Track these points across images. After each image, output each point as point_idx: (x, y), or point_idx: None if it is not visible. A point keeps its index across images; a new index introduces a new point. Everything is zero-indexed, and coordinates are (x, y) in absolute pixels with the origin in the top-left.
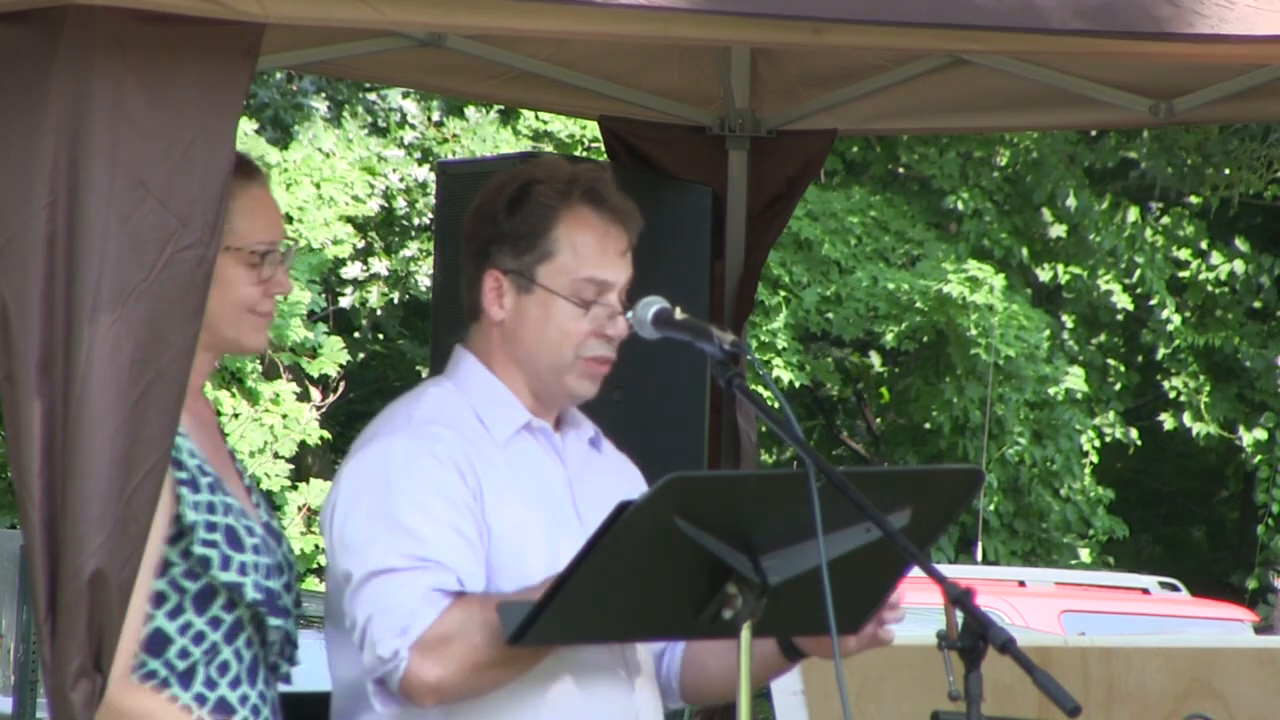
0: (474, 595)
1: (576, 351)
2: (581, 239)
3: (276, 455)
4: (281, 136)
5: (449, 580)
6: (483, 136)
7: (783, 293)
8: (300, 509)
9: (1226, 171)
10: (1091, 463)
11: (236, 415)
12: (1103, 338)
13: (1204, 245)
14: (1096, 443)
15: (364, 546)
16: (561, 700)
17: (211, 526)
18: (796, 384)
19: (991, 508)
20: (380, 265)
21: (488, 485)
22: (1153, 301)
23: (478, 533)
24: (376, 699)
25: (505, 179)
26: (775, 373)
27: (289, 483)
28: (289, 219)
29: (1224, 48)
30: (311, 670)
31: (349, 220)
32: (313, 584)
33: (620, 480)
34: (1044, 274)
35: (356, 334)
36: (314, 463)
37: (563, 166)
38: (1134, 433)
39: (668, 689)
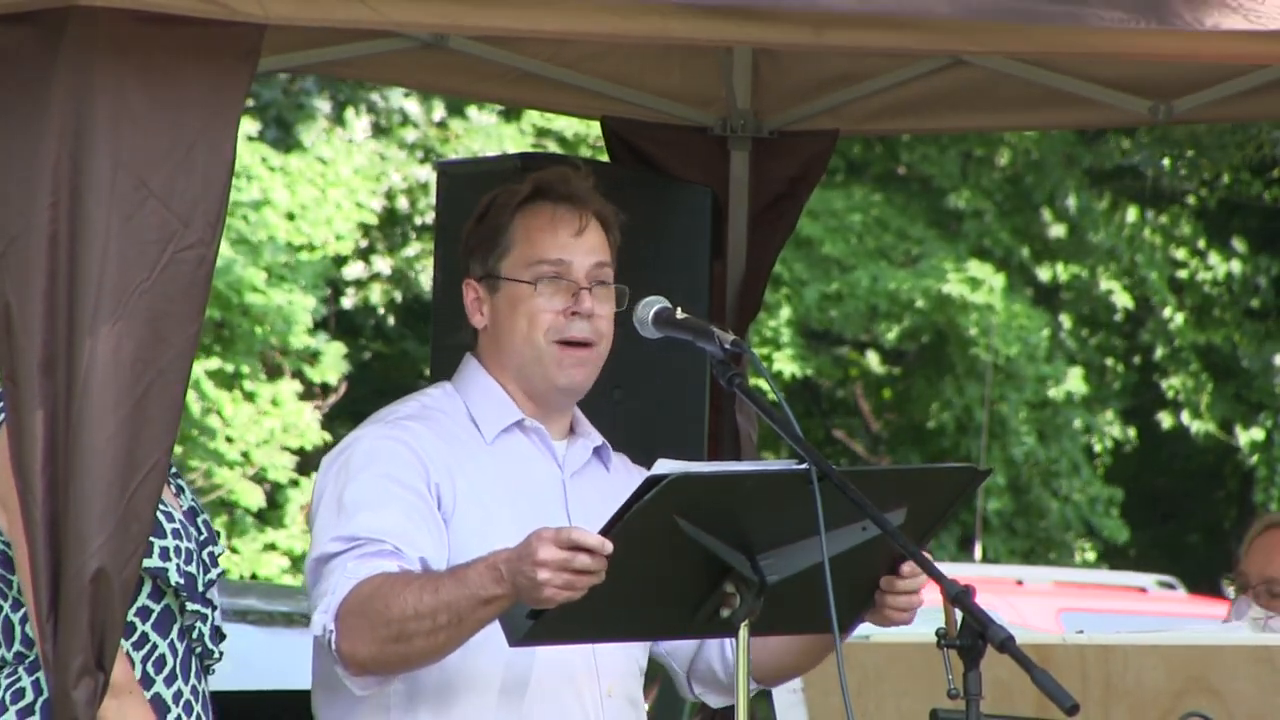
0: (407, 571)
1: (548, 335)
2: (533, 225)
3: (283, 447)
4: (284, 137)
5: (381, 552)
6: (487, 132)
7: (784, 289)
8: (302, 508)
9: (1222, 173)
10: (1104, 463)
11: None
12: (1101, 337)
13: (1201, 245)
14: (1108, 443)
15: (315, 536)
16: (532, 708)
17: None
18: (797, 374)
19: (993, 507)
20: (383, 264)
21: (462, 480)
22: (1152, 301)
23: (427, 516)
24: (348, 681)
25: (480, 203)
26: (775, 366)
27: (295, 476)
28: (290, 217)
29: (1219, 46)
30: (268, 669)
31: (355, 222)
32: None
33: (621, 495)
34: (1044, 273)
35: (363, 339)
36: (317, 462)
37: (527, 180)
38: (1132, 432)
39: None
